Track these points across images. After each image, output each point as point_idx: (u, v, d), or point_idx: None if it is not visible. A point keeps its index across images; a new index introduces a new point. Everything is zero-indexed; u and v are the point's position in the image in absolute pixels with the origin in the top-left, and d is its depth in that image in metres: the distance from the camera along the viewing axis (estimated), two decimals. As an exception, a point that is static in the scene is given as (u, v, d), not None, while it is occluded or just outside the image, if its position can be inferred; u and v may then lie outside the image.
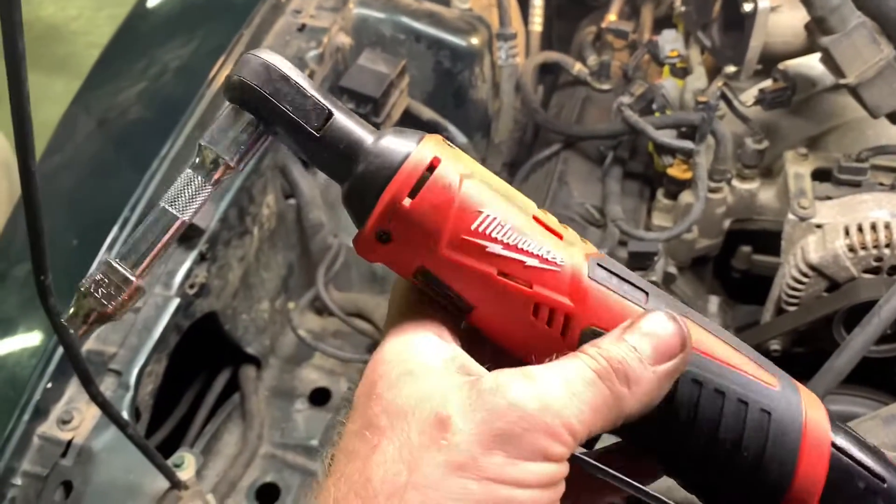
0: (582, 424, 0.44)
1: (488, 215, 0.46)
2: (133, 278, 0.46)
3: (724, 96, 1.35)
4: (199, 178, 0.47)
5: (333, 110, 0.47)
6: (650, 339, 0.46)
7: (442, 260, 0.47)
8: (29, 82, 0.60)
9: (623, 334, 0.47)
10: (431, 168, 0.46)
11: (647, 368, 0.46)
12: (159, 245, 0.47)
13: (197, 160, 0.47)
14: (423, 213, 0.46)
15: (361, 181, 0.47)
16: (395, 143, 0.47)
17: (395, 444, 0.43)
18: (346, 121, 0.47)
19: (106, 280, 0.46)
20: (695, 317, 0.50)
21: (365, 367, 0.49)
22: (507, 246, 0.46)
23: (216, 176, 0.47)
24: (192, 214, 0.47)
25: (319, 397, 1.43)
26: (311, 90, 0.47)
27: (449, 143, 0.49)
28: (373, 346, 1.51)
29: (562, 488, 0.44)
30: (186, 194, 0.47)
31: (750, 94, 1.38)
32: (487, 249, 0.46)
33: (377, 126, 1.49)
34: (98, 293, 0.46)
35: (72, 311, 0.47)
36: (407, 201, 0.46)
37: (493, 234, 0.46)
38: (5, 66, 0.58)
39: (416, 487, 0.41)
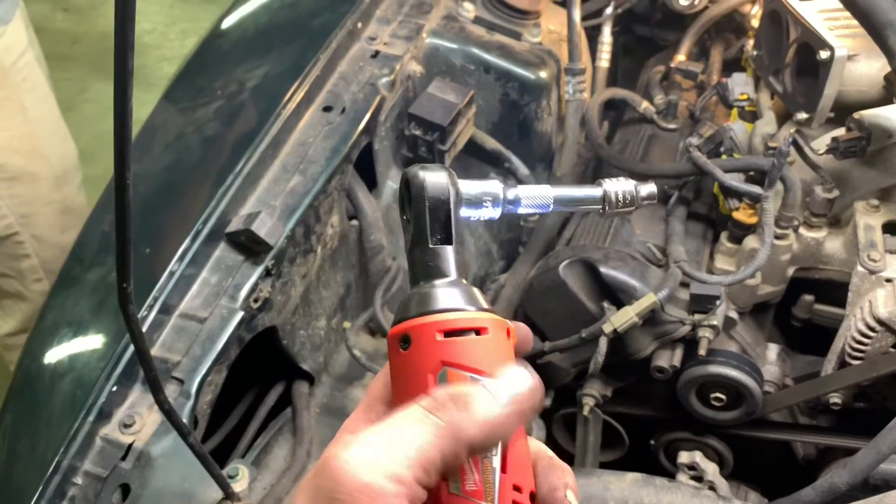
0: (407, 468, 0.45)
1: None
2: None
3: (795, 143, 1.34)
4: None
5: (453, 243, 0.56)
6: (504, 382, 0.49)
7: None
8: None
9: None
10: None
11: (492, 398, 0.48)
12: None
13: None
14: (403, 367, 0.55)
15: (408, 297, 0.56)
16: (444, 298, 0.55)
17: None
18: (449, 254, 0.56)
19: None
20: None
21: None
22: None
23: None
24: None
25: (369, 418, 1.43)
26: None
27: (506, 337, 0.54)
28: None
29: None
30: None
31: (822, 142, 1.36)
32: None
33: (442, 153, 1.53)
34: None
35: None
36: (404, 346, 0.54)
37: None
38: (113, 81, 0.61)
39: None
